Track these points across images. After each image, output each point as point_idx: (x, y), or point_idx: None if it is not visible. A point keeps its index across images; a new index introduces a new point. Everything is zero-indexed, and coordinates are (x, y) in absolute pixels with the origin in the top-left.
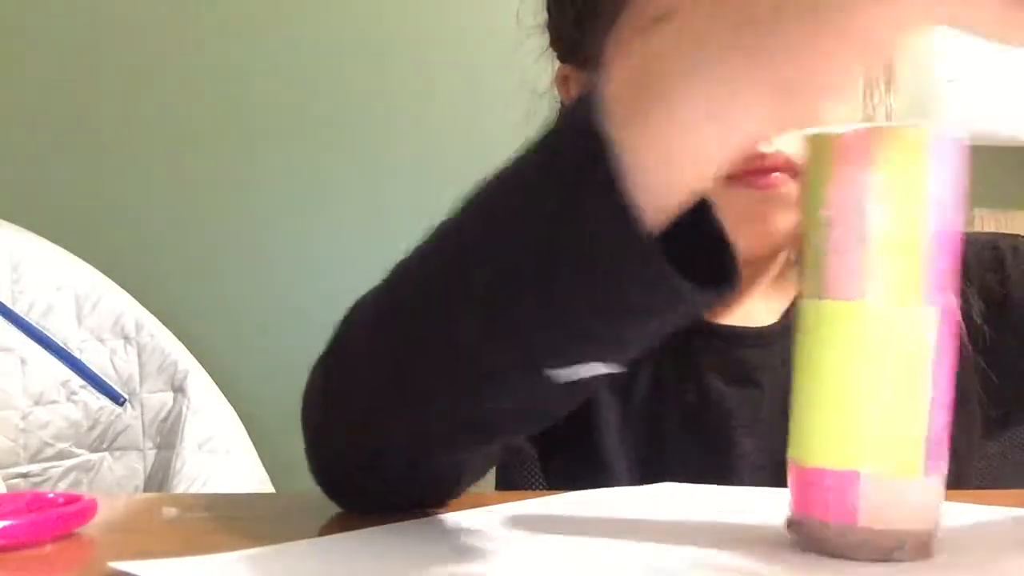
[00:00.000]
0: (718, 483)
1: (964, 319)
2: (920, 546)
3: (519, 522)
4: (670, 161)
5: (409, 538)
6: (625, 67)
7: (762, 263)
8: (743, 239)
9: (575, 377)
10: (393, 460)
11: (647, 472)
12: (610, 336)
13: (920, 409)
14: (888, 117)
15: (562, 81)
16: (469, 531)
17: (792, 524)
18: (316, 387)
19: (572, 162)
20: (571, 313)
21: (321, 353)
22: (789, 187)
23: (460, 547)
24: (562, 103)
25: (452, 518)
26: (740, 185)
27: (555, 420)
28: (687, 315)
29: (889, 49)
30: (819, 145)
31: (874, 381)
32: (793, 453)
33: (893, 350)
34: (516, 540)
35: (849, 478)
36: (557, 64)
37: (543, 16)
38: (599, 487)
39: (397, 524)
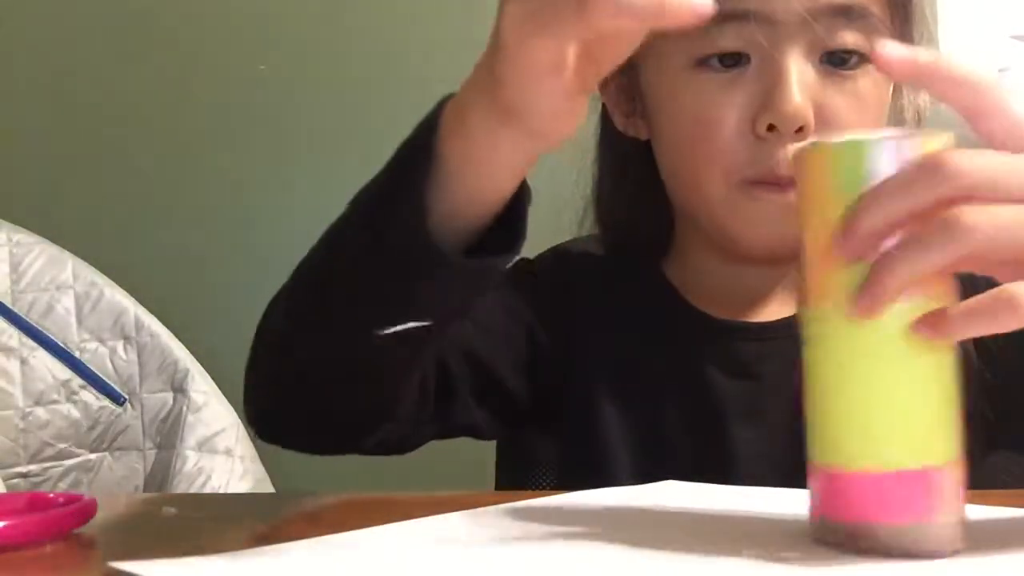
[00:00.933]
0: (718, 472)
1: None
2: (955, 538)
3: (519, 522)
4: (473, 167)
5: (409, 538)
6: (450, 105)
7: (780, 266)
8: (764, 243)
9: (398, 329)
10: (308, 386)
11: (648, 462)
12: (412, 303)
13: (951, 399)
14: (918, 116)
15: (603, 83)
16: (469, 531)
17: (827, 527)
18: (255, 343)
19: (403, 162)
20: (380, 289)
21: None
22: None
23: (461, 548)
24: (603, 106)
25: (452, 518)
26: (762, 192)
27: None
28: (472, 284)
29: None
30: (851, 152)
31: (906, 376)
32: (825, 457)
33: (919, 344)
34: (517, 540)
35: (894, 476)
36: None
37: None
38: (600, 476)
39: (397, 524)
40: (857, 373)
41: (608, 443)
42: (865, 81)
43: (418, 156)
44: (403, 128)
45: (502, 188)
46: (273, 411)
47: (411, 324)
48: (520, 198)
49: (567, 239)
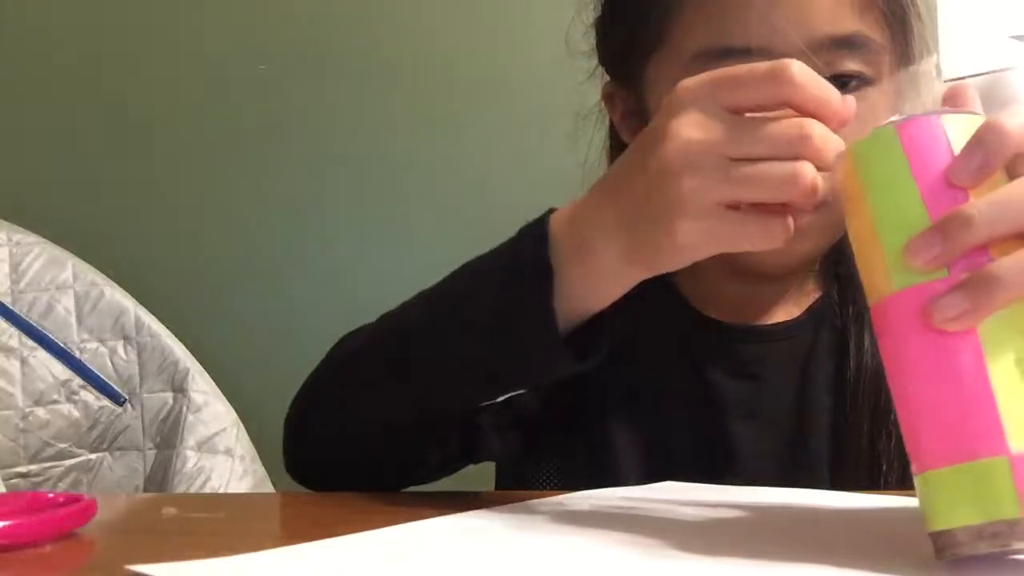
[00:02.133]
0: (720, 471)
1: None
2: None
3: (519, 522)
4: (588, 286)
5: (412, 539)
6: (567, 215)
7: (784, 279)
8: (770, 258)
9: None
10: (367, 443)
11: (655, 464)
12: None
13: None
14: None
15: (608, 97)
16: (470, 531)
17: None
18: (307, 392)
19: (523, 274)
20: (487, 372)
21: (313, 371)
22: (808, 219)
23: (461, 548)
24: (610, 122)
25: (453, 518)
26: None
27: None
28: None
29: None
30: (882, 142)
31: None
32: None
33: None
34: (516, 540)
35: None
36: (606, 79)
37: (592, 36)
38: (608, 477)
39: (401, 526)
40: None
41: (615, 446)
42: (868, 103)
43: (535, 273)
44: (403, 128)
45: (611, 299)
46: (321, 463)
47: (511, 393)
48: None
49: None
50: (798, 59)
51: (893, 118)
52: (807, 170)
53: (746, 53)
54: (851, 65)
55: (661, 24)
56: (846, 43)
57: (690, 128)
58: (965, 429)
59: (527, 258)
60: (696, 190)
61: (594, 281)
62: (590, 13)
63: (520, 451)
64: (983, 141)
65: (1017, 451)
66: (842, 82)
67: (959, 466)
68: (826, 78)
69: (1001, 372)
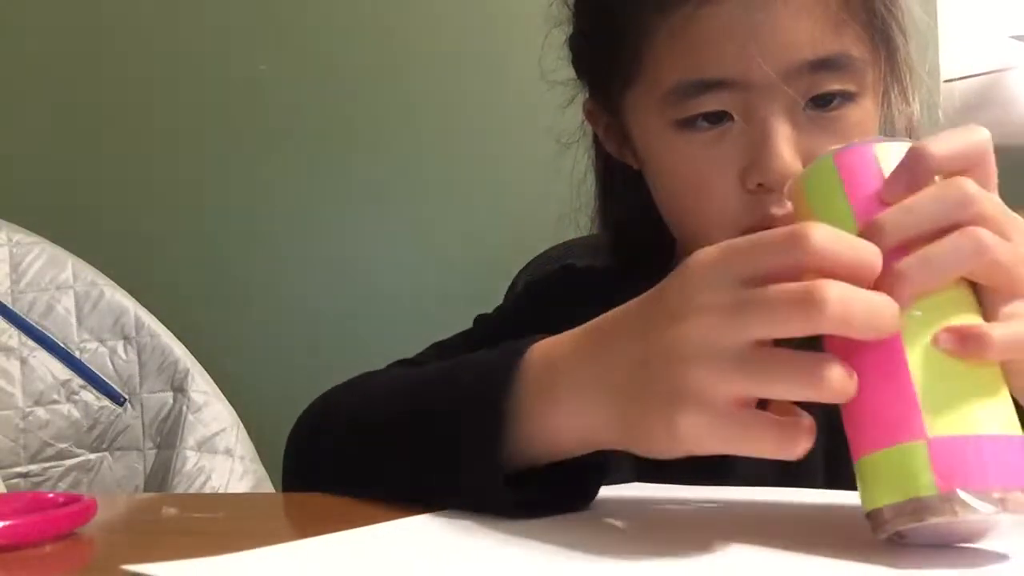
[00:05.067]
0: (715, 471)
1: None
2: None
3: (518, 519)
4: (553, 436)
5: (407, 535)
6: (538, 360)
7: None
8: None
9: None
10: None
11: (649, 463)
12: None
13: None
14: (910, 124)
15: (589, 113)
16: (469, 529)
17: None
18: (296, 443)
19: (479, 413)
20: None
21: (298, 421)
22: None
23: (460, 544)
24: (595, 137)
25: (451, 516)
26: None
27: None
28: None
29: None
30: (822, 169)
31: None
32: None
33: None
34: (515, 537)
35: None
36: (586, 95)
37: (568, 52)
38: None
39: (401, 520)
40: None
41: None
42: (851, 118)
43: (495, 416)
44: (403, 128)
45: (569, 455)
46: (311, 484)
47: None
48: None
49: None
50: (774, 89)
51: (832, 148)
52: (833, 371)
53: (721, 86)
54: (834, 85)
55: (635, 59)
56: (827, 65)
57: (705, 311)
58: (889, 417)
59: (484, 399)
60: (707, 381)
61: (554, 437)
62: (563, 30)
63: None
64: (909, 164)
65: (934, 435)
66: (826, 100)
67: (885, 451)
68: (809, 99)
69: (918, 362)
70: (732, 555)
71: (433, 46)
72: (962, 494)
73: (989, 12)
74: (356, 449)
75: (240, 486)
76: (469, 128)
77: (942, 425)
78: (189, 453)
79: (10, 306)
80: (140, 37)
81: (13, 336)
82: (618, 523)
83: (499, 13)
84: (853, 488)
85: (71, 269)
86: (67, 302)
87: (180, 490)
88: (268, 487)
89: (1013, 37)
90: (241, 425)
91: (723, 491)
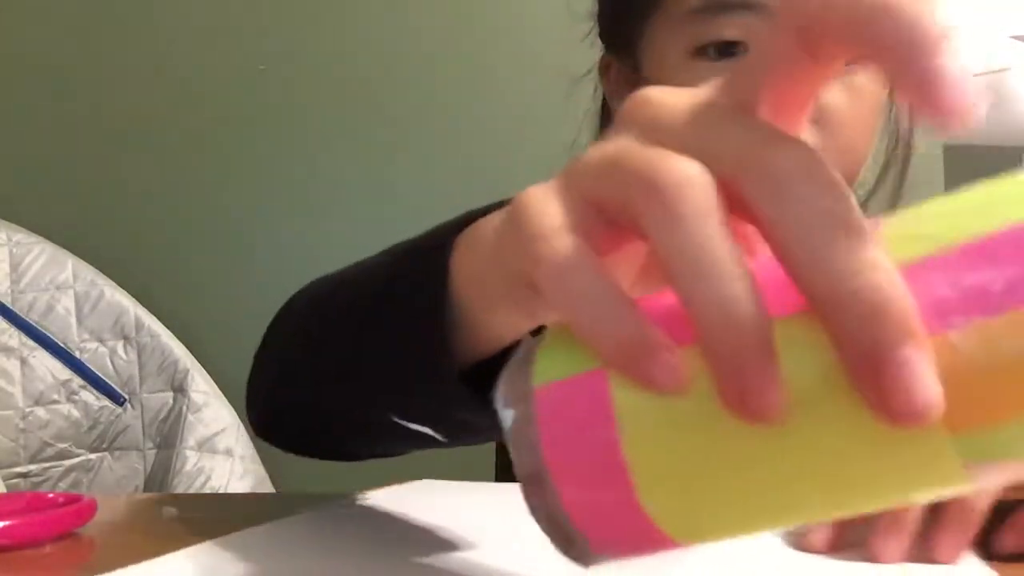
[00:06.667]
0: None
1: None
2: None
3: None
4: (486, 326)
5: (391, 520)
6: (466, 241)
7: None
8: None
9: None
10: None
11: None
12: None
13: None
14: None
15: (604, 69)
16: (467, 525)
17: None
18: (259, 356)
19: (419, 287)
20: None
21: (266, 331)
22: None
23: (458, 543)
24: (604, 94)
25: (448, 510)
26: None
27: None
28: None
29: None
30: None
31: None
32: None
33: None
34: (511, 531)
35: None
36: (601, 53)
37: (593, 5)
38: None
39: (388, 502)
40: None
41: None
42: (862, 76)
43: (433, 305)
44: (403, 129)
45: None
46: (273, 425)
47: (427, 430)
48: None
49: None
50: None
51: None
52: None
53: (742, 8)
54: None
55: None
56: None
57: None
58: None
59: (418, 276)
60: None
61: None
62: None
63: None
64: None
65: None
66: None
67: None
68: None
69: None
70: (731, 554)
71: (433, 46)
72: None
73: (989, 12)
74: (302, 354)
75: (240, 486)
76: (471, 128)
77: None
78: (189, 453)
79: (10, 306)
80: (141, 37)
81: (13, 336)
82: None
83: (499, 19)
84: None
85: (71, 269)
86: (67, 302)
87: (180, 490)
88: (268, 487)
89: (1013, 37)
90: (241, 425)
91: None
